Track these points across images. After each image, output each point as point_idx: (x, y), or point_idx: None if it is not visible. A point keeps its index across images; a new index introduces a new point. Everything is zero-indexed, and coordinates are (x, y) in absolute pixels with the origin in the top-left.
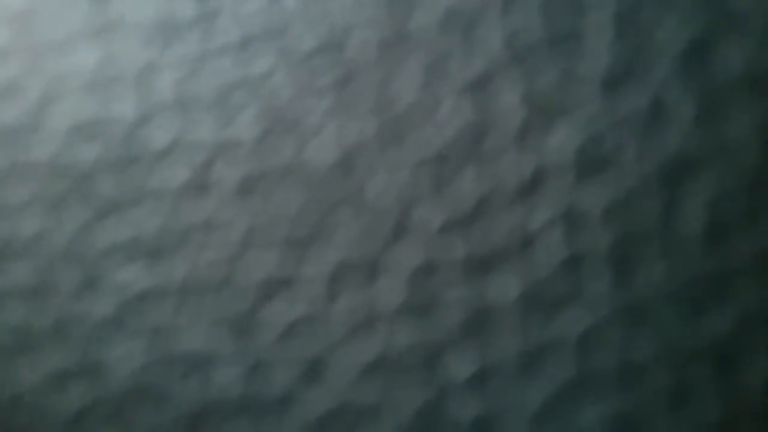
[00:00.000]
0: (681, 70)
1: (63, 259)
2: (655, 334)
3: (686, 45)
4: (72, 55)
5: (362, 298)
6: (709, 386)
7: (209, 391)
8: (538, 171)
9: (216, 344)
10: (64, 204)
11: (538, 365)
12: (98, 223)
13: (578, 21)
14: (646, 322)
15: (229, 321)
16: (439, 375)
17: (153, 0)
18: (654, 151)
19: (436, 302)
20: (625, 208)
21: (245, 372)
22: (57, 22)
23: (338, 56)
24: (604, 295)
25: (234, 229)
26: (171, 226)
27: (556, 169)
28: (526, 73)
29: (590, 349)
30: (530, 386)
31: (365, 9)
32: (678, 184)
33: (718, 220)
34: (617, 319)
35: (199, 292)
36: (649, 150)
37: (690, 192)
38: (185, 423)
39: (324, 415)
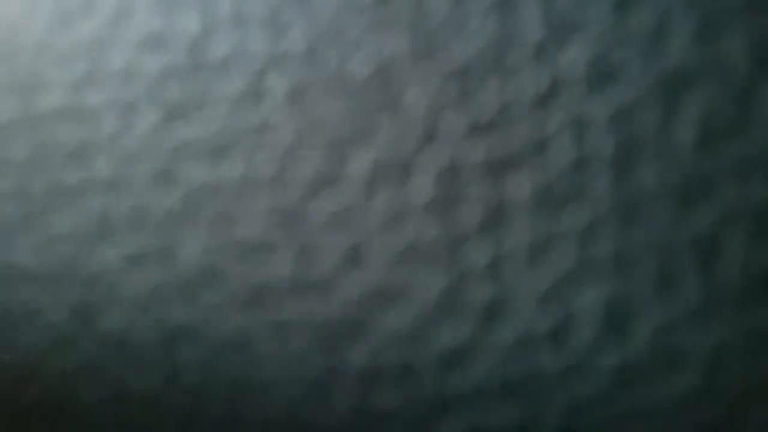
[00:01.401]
0: None
1: (136, 155)
2: (646, 228)
3: None
4: None
5: (395, 194)
6: (691, 276)
7: (264, 273)
8: (552, 83)
9: (270, 232)
10: (136, 107)
11: (545, 254)
12: (166, 125)
13: None
14: (639, 218)
15: (281, 211)
16: (460, 262)
17: None
18: (655, 66)
19: (459, 199)
20: (628, 117)
21: (294, 256)
22: None
23: None
24: (605, 193)
25: (284, 132)
26: (230, 128)
27: (568, 82)
28: None
29: (590, 241)
30: (538, 272)
31: None
32: (675, 96)
33: (708, 129)
34: (614, 214)
35: (254, 186)
36: (651, 65)
37: (686, 103)
38: (244, 301)
39: (362, 295)
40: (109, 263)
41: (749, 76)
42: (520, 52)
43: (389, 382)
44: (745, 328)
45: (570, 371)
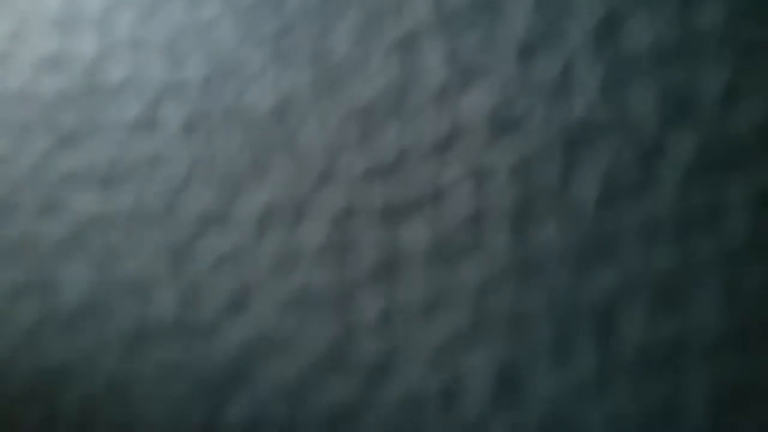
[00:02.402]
0: (592, 41)
1: (26, 181)
2: (544, 288)
3: (599, 18)
4: None
5: (287, 236)
6: (589, 340)
7: (148, 312)
8: (453, 129)
9: (156, 269)
10: (29, 131)
11: (438, 309)
12: (58, 151)
13: None
14: (537, 277)
15: (168, 249)
16: (350, 313)
17: None
18: (559, 117)
19: (352, 244)
20: (528, 169)
21: (179, 296)
22: None
23: (279, 7)
24: (502, 248)
25: (177, 164)
26: (122, 157)
27: (469, 128)
28: (450, 35)
29: (486, 298)
30: (430, 327)
31: None
32: (578, 149)
33: (611, 186)
34: (512, 271)
35: (142, 220)
36: (554, 115)
37: (588, 158)
38: (126, 340)
39: (245, 342)
40: None
41: (656, 132)
42: (421, 95)
43: None
44: (642, 402)
45: None
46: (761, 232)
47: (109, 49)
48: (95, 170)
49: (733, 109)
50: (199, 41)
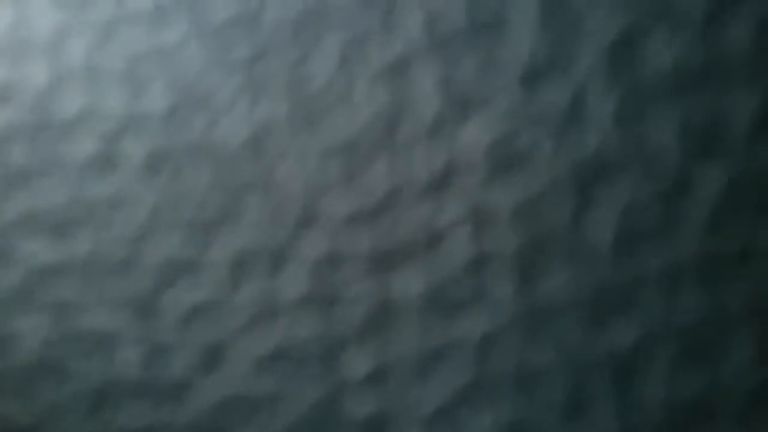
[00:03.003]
0: (605, 65)
1: None
2: (555, 342)
3: (613, 38)
4: None
5: (265, 286)
6: (606, 399)
7: (110, 371)
8: (449, 165)
9: (118, 324)
10: None
11: (436, 367)
12: (7, 193)
13: (502, 8)
14: (547, 330)
15: (132, 301)
16: (337, 371)
17: None
18: (569, 151)
19: (338, 295)
20: (535, 210)
21: (145, 354)
22: None
23: (252, 29)
24: (507, 298)
25: (139, 207)
26: (77, 199)
27: (467, 165)
28: (445, 60)
29: (489, 353)
30: (427, 388)
31: None
32: (591, 188)
33: (629, 229)
34: (518, 324)
35: (102, 269)
36: (564, 149)
37: (603, 197)
38: (86, 400)
39: (220, 403)
40: None
41: (679, 167)
42: (412, 127)
43: None
44: None
45: None
46: None
47: (61, 78)
48: (48, 214)
49: (766, 141)
50: (163, 68)
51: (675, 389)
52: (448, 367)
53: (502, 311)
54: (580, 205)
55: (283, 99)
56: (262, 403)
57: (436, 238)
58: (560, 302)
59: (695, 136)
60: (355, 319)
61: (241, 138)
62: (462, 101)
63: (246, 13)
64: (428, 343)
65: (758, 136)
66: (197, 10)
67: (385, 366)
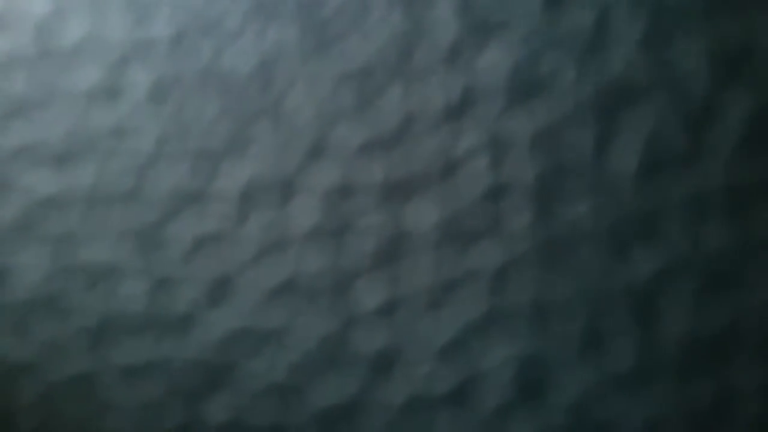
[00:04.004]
0: None
1: None
2: (573, 274)
3: None
4: None
5: (274, 218)
6: (625, 334)
7: (113, 305)
8: (466, 92)
9: (121, 257)
10: None
11: (449, 299)
12: (7, 123)
13: None
14: (565, 262)
15: (136, 233)
16: (347, 303)
17: None
18: (592, 77)
19: (349, 227)
20: (556, 137)
21: (150, 287)
22: None
23: None
24: (525, 229)
25: (144, 137)
26: (80, 130)
27: (485, 91)
28: None
29: (505, 285)
30: (439, 321)
31: None
32: (615, 114)
33: (653, 157)
34: (535, 256)
35: (105, 201)
36: (587, 75)
37: (627, 124)
38: (88, 335)
39: (226, 336)
40: None
41: (706, 93)
42: (429, 54)
43: None
44: (687, 402)
45: None
46: None
47: (63, 5)
48: (50, 145)
49: None
50: None
51: (697, 324)
52: (461, 299)
53: (519, 242)
54: (603, 132)
55: (293, 24)
56: (270, 336)
57: (452, 167)
58: (580, 233)
59: (724, 61)
60: (366, 251)
61: (250, 65)
62: (481, 24)
63: None
64: (441, 275)
65: None
66: None
67: (397, 299)
